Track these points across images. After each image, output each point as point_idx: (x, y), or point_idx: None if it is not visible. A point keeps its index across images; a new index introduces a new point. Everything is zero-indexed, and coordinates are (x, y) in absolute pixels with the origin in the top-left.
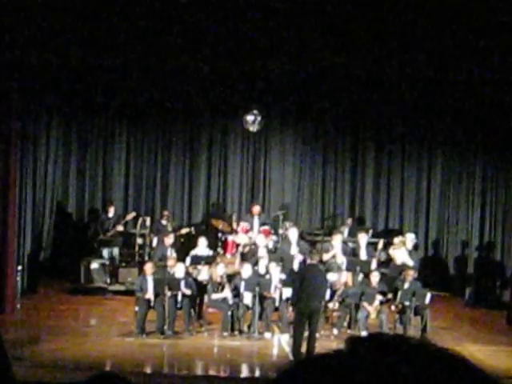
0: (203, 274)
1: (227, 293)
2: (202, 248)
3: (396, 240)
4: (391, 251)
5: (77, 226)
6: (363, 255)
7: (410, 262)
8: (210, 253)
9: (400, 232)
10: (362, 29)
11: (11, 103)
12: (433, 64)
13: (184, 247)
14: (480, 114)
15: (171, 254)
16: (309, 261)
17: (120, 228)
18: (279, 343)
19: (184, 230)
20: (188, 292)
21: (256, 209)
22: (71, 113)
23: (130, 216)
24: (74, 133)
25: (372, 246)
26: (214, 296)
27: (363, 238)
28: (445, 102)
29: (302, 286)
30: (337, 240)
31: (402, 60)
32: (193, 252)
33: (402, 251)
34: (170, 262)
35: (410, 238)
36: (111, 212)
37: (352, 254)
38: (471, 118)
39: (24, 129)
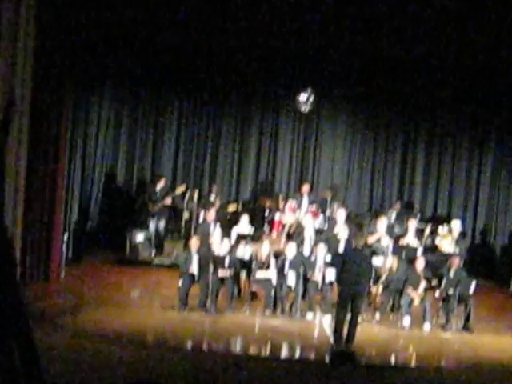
0: (247, 251)
1: (272, 272)
2: (244, 225)
3: (441, 230)
4: (438, 241)
5: (124, 198)
6: (411, 240)
7: (457, 251)
8: (252, 230)
9: (447, 219)
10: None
11: (64, 81)
12: (488, 49)
13: (231, 223)
14: None
15: (214, 229)
16: (354, 244)
17: (168, 201)
18: (320, 325)
19: (231, 207)
20: (227, 274)
21: (305, 187)
22: (123, 86)
23: (180, 189)
24: (126, 105)
25: (419, 231)
26: (259, 274)
27: (412, 224)
28: (499, 89)
29: (345, 270)
30: (381, 223)
31: (456, 44)
32: (234, 229)
33: (448, 241)
34: (211, 239)
35: (456, 227)
36: (160, 185)
37: (397, 238)
38: None
39: (76, 99)
